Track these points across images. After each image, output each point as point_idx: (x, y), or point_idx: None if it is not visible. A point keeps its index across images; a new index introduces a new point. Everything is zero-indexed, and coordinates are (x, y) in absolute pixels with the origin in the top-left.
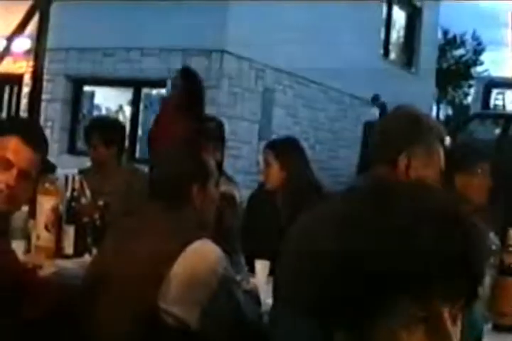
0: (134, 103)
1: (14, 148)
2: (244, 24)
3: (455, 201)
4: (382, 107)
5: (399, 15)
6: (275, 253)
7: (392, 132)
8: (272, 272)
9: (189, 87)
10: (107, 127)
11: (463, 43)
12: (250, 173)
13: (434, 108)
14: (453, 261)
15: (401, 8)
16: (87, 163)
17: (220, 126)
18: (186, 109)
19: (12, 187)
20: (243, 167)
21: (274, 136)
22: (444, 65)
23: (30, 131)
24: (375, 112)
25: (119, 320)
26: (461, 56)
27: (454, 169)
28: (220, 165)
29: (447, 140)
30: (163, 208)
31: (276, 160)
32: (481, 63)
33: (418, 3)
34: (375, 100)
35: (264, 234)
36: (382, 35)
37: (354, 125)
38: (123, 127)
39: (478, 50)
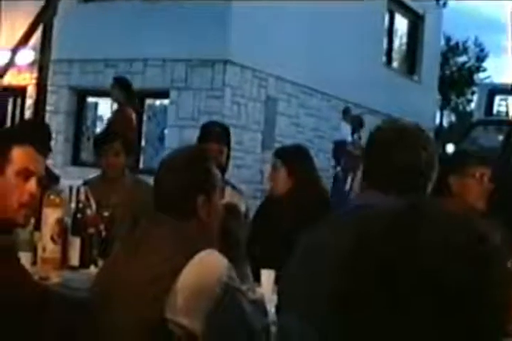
0: (137, 114)
1: (31, 157)
2: (247, 34)
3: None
4: (357, 121)
5: (401, 23)
6: (281, 262)
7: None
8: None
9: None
10: (127, 137)
11: (465, 50)
12: (254, 182)
13: (438, 115)
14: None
15: (403, 15)
16: (90, 174)
17: (227, 130)
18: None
19: (35, 197)
20: (247, 176)
21: (277, 145)
22: (447, 72)
23: (41, 139)
24: (345, 128)
25: (127, 332)
26: (464, 63)
27: (449, 173)
28: (223, 170)
29: (450, 147)
30: (168, 219)
31: (284, 166)
32: (484, 70)
33: (420, 11)
34: (346, 113)
35: (270, 244)
36: (385, 43)
37: None
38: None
39: (480, 57)
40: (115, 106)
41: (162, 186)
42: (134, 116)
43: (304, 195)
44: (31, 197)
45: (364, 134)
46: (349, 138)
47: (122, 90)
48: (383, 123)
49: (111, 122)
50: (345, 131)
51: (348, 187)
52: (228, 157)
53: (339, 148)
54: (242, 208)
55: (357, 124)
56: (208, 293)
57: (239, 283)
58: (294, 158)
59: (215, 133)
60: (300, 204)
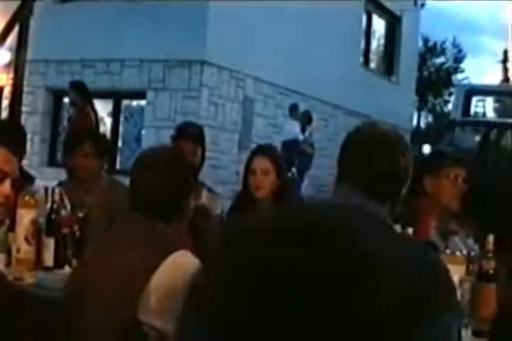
0: (114, 114)
1: (5, 158)
2: (225, 35)
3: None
4: (306, 118)
5: (378, 24)
6: None
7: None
8: None
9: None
10: (98, 137)
11: (443, 51)
12: (230, 183)
13: (415, 116)
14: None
15: (380, 16)
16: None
17: (202, 131)
18: None
19: (10, 198)
20: (223, 177)
21: (253, 146)
22: (425, 73)
23: (16, 140)
24: (293, 125)
25: (101, 332)
26: (442, 64)
27: (424, 173)
28: (197, 170)
29: (427, 147)
30: (143, 219)
31: (274, 168)
32: (462, 71)
33: (397, 12)
34: (294, 110)
35: None
36: (363, 44)
37: (335, 134)
38: (109, 139)
39: (458, 58)
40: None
41: (139, 185)
42: (93, 115)
43: (285, 197)
44: (5, 198)
45: (314, 131)
46: (300, 137)
47: (78, 93)
48: (363, 125)
49: (72, 123)
50: (291, 129)
51: (303, 188)
52: (203, 158)
53: (291, 148)
54: (218, 210)
55: (306, 121)
56: (181, 294)
57: None
58: (281, 161)
59: (190, 133)
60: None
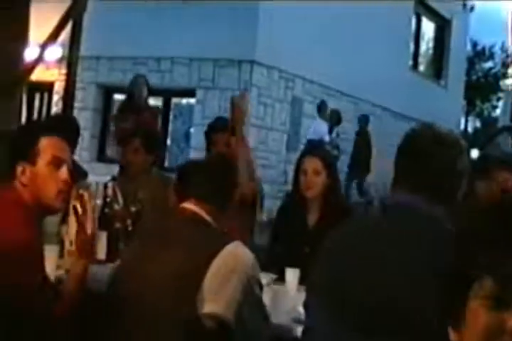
0: (164, 112)
1: (60, 146)
2: (274, 35)
3: None
4: (335, 117)
5: (428, 27)
6: (307, 260)
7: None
8: (302, 280)
9: None
10: (149, 134)
11: (492, 56)
12: (277, 183)
13: (463, 120)
14: None
15: (430, 19)
16: (115, 170)
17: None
18: None
19: (69, 183)
20: (271, 176)
21: (302, 147)
22: (473, 78)
23: (69, 132)
24: (320, 125)
25: (159, 328)
26: (490, 68)
27: (474, 177)
28: None
29: (475, 152)
30: (196, 214)
31: (324, 167)
32: (510, 76)
33: (447, 15)
34: (321, 110)
35: (295, 243)
36: (412, 47)
37: (384, 137)
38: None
39: (506, 63)
40: None
41: (198, 178)
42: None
43: (334, 196)
44: (66, 183)
45: (342, 130)
46: (326, 137)
47: (146, 90)
48: (420, 126)
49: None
50: (318, 129)
51: None
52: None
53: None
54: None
55: (335, 121)
56: (238, 284)
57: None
58: (331, 160)
59: (221, 125)
60: (335, 203)
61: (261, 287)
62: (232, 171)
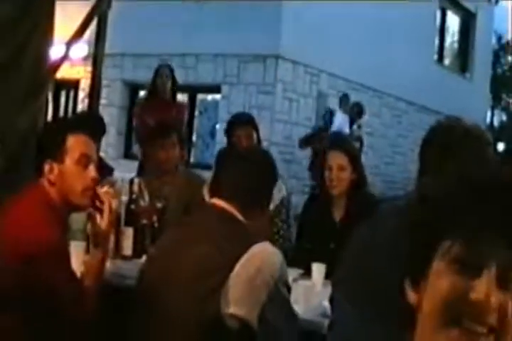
0: (189, 108)
1: (87, 144)
2: (299, 30)
3: None
4: (357, 110)
5: (453, 21)
6: (332, 256)
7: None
8: (328, 275)
9: None
10: (180, 129)
11: None
12: (302, 178)
13: (489, 114)
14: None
15: (455, 13)
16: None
17: (251, 117)
18: None
19: (97, 181)
20: (296, 172)
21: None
22: (499, 71)
23: (96, 130)
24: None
25: (183, 325)
26: None
27: None
28: None
29: (501, 146)
30: (223, 212)
31: (350, 162)
32: None
33: (472, 8)
34: (342, 102)
35: (321, 238)
36: (437, 41)
37: (409, 131)
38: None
39: None
40: None
41: (230, 175)
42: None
43: (360, 192)
44: (93, 181)
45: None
46: (346, 130)
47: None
48: (445, 120)
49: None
50: (339, 121)
51: None
52: (259, 140)
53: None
54: (283, 192)
55: (356, 114)
56: (265, 284)
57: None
58: (357, 153)
59: (241, 120)
60: (357, 201)
61: (288, 288)
62: (271, 166)
